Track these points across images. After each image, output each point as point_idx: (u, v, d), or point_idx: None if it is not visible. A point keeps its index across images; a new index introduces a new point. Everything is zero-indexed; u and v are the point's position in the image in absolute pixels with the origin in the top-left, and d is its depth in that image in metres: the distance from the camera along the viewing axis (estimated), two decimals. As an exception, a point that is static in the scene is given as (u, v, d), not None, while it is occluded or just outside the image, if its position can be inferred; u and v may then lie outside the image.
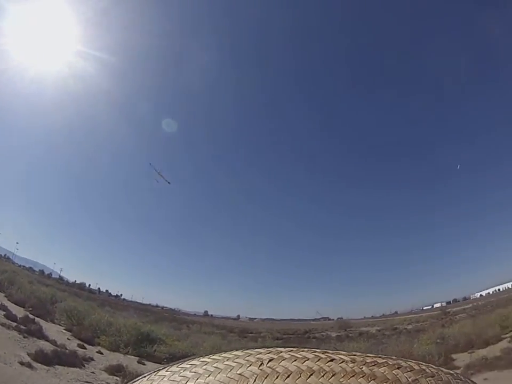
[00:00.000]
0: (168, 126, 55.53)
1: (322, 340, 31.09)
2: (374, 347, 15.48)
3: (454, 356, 12.58)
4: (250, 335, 37.76)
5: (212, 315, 56.31)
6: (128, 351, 16.96)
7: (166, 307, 56.21)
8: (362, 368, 0.75)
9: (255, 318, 61.93)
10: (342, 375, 0.74)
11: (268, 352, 0.82)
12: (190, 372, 0.79)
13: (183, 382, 0.76)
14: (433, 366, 0.80)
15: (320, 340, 31.49)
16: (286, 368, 0.75)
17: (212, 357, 0.83)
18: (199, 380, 0.75)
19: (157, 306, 55.47)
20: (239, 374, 0.75)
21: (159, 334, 21.10)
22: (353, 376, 0.74)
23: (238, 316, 61.41)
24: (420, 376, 0.76)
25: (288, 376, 0.73)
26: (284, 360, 0.78)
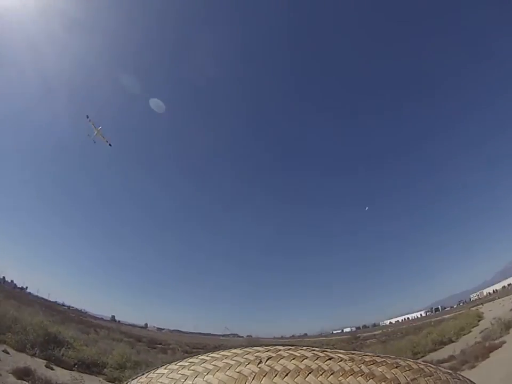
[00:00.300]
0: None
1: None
2: None
3: None
4: (159, 346, 36.75)
5: (119, 321, 54.43)
6: (35, 353, 15.53)
7: (72, 307, 53.36)
8: (360, 367, 0.78)
9: (163, 329, 60.42)
10: (341, 374, 0.76)
11: (266, 350, 0.84)
12: (188, 370, 0.79)
13: (181, 380, 0.77)
14: (432, 365, 0.86)
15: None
16: (284, 366, 0.77)
17: (210, 355, 0.84)
18: (197, 378, 0.76)
19: (63, 305, 52.47)
20: (238, 372, 0.76)
21: (66, 337, 19.75)
22: (351, 375, 0.76)
23: (146, 324, 59.90)
24: (419, 375, 0.80)
25: (287, 375, 0.75)
26: (282, 358, 0.79)
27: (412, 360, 0.86)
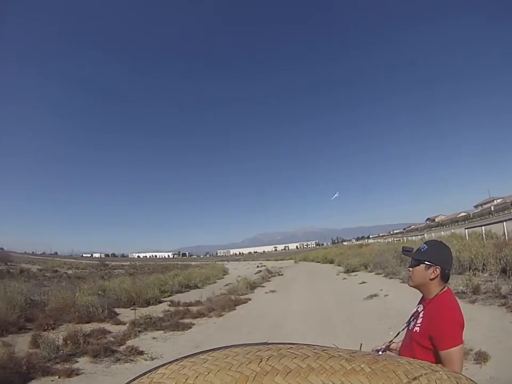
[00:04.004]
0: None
1: (-17, 272, 27.95)
2: (36, 289, 15.21)
3: (117, 310, 13.40)
4: None
5: None
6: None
7: None
8: (362, 366, 0.81)
9: None
10: (342, 373, 0.78)
11: (268, 349, 0.86)
12: (190, 369, 0.81)
13: (182, 380, 0.78)
14: (433, 365, 0.90)
15: (-21, 272, 28.36)
16: (285, 365, 0.79)
17: (211, 354, 0.86)
18: (198, 377, 0.78)
19: None
20: (239, 371, 0.78)
21: None
22: (353, 373, 0.78)
23: None
24: (420, 374, 0.83)
25: (288, 374, 0.77)
26: (283, 357, 0.82)
27: (412, 359, 0.91)
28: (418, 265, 2.24)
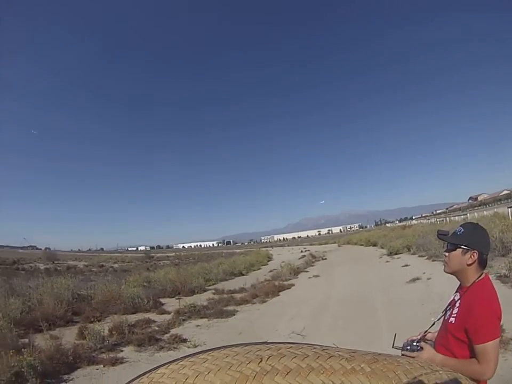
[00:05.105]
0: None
1: (31, 272, 29.19)
2: (82, 284, 15.83)
3: (162, 300, 13.79)
4: None
5: None
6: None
7: None
8: (362, 365, 0.79)
9: None
10: (342, 373, 0.77)
11: (268, 348, 0.86)
12: (189, 369, 0.82)
13: (182, 379, 0.79)
14: (433, 365, 0.87)
15: (29, 272, 29.71)
16: (285, 365, 0.79)
17: (211, 354, 0.87)
18: (198, 377, 0.79)
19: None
20: (239, 371, 0.78)
21: None
22: (353, 373, 0.77)
23: None
24: (420, 374, 0.81)
25: (288, 374, 0.77)
26: (283, 357, 0.81)
27: (413, 360, 0.89)
28: (455, 249, 2.14)
